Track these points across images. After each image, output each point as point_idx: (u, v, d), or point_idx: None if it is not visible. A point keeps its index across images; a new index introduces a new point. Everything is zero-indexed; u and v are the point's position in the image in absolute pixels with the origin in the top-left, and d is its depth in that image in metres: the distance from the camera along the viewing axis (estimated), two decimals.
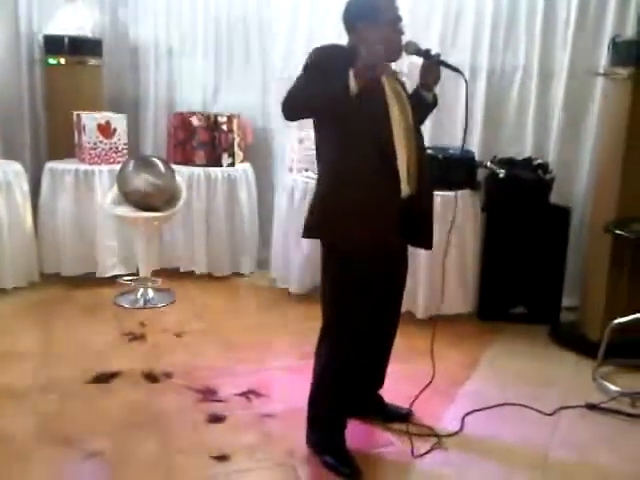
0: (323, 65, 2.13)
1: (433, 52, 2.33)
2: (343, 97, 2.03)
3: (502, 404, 2.78)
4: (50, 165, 4.17)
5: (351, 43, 2.30)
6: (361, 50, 2.08)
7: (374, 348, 2.52)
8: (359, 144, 2.16)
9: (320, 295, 2.38)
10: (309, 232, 2.30)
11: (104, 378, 2.92)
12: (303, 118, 2.24)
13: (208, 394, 2.80)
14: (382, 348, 2.59)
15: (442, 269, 2.58)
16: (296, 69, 4.21)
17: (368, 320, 2.32)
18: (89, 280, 4.11)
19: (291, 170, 4.14)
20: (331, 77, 2.04)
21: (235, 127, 4.35)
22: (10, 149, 4.37)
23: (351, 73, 2.01)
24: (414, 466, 2.37)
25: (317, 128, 2.26)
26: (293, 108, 2.13)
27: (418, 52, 2.31)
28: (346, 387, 2.35)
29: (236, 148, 4.37)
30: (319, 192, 2.27)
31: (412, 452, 2.41)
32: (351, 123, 2.13)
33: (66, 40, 4.41)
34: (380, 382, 2.65)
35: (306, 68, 2.17)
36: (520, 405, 2.78)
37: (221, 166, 4.29)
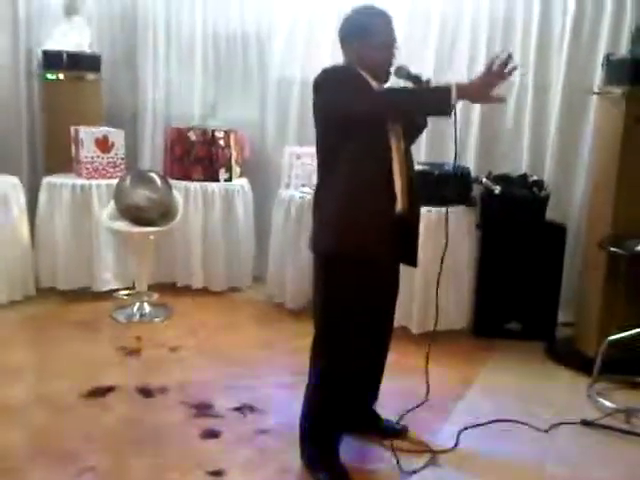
0: (354, 80, 2.20)
1: (424, 78, 2.35)
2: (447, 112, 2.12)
3: (497, 420, 2.77)
4: (48, 179, 4.18)
5: (346, 60, 2.34)
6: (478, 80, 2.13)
7: (368, 362, 2.52)
8: (371, 160, 2.21)
9: (312, 310, 2.40)
10: (323, 245, 2.31)
11: (99, 393, 2.91)
12: (374, 125, 2.21)
13: (203, 409, 2.80)
14: (376, 362, 2.59)
15: (436, 286, 2.59)
16: (291, 85, 4.36)
17: (362, 335, 2.32)
18: (85, 294, 4.11)
19: (288, 185, 4.16)
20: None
21: (232, 142, 4.37)
22: (7, 163, 4.37)
23: (454, 92, 2.07)
24: None
25: (340, 142, 2.21)
26: (386, 113, 2.19)
27: (408, 76, 2.33)
28: (340, 402, 2.35)
29: (233, 163, 4.39)
30: (334, 205, 2.24)
31: (400, 468, 2.39)
32: (370, 139, 2.19)
33: (64, 55, 4.45)
34: (374, 397, 2.65)
35: (341, 83, 2.18)
36: (515, 422, 2.77)
37: (218, 181, 4.31)
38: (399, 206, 2.29)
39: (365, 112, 2.14)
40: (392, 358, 2.63)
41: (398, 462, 2.41)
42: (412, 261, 2.45)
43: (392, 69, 2.32)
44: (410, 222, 2.38)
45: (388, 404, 2.71)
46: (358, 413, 2.57)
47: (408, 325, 3.61)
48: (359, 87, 2.19)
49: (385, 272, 2.39)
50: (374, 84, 2.28)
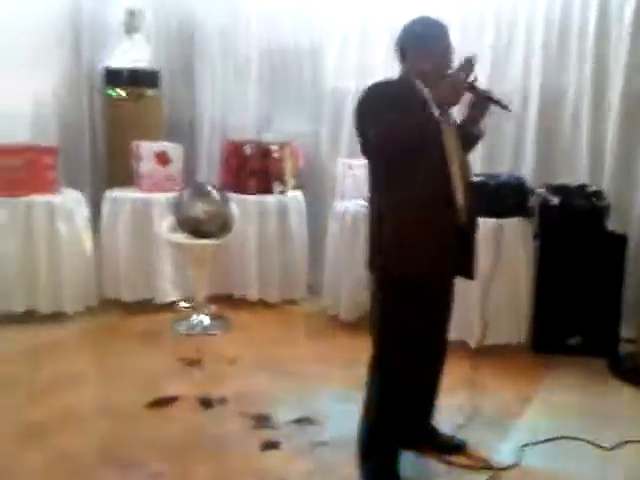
0: (390, 101, 2.19)
1: (482, 87, 2.35)
2: (433, 127, 2.12)
3: (559, 437, 2.71)
4: (110, 193, 4.32)
5: (403, 69, 2.36)
6: (444, 82, 2.16)
7: (425, 378, 2.52)
8: (426, 175, 2.21)
9: (370, 325, 2.41)
10: (379, 268, 2.33)
11: (162, 402, 2.99)
12: (394, 157, 2.22)
13: (262, 421, 2.84)
14: (433, 377, 2.58)
15: (486, 296, 2.55)
16: (345, 96, 4.40)
17: (420, 351, 2.33)
18: (147, 305, 4.21)
19: (342, 197, 4.19)
20: (406, 111, 2.13)
21: (287, 155, 4.43)
22: (72, 177, 4.55)
23: (433, 103, 2.10)
24: None
25: (384, 162, 2.26)
26: (388, 149, 2.18)
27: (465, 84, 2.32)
28: (398, 418, 2.35)
29: (287, 176, 4.45)
30: (389, 223, 2.26)
31: None
32: (421, 155, 2.18)
33: (125, 72, 4.60)
34: (432, 412, 2.64)
35: (373, 108, 2.20)
36: (578, 439, 2.70)
37: (273, 193, 4.37)
38: (459, 217, 2.28)
39: (386, 150, 2.18)
40: (449, 372, 2.61)
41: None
42: (469, 273, 2.44)
43: None
44: (468, 233, 2.36)
45: (446, 419, 2.70)
46: (416, 428, 2.57)
47: (466, 339, 3.57)
48: (390, 116, 2.16)
49: (442, 288, 2.39)
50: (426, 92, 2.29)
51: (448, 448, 2.60)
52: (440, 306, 2.42)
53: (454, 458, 2.54)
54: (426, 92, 2.28)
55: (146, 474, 2.43)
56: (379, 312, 2.35)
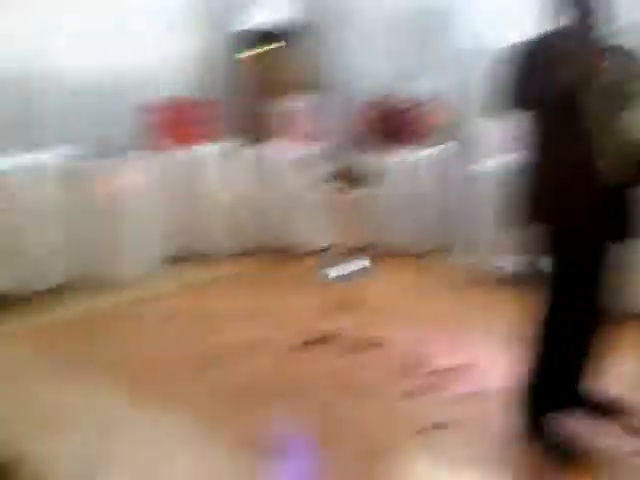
0: (532, 59, 2.14)
1: None
2: (571, 88, 2.04)
3: None
4: (262, 146, 4.47)
5: (561, 22, 2.20)
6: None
7: (591, 339, 2.40)
8: (579, 132, 2.10)
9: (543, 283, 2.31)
10: (535, 218, 2.26)
11: (311, 343, 3.08)
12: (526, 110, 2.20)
13: (414, 367, 2.85)
14: (598, 340, 2.45)
15: None
16: (488, 54, 4.20)
17: (590, 310, 2.25)
18: (296, 252, 4.36)
19: (491, 153, 4.06)
20: (548, 70, 2.06)
21: (429, 111, 4.36)
22: (221, 131, 4.72)
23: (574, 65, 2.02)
24: (625, 462, 2.22)
25: (535, 116, 2.20)
26: (522, 102, 2.15)
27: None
28: (562, 376, 2.31)
29: (430, 132, 4.38)
30: (544, 178, 2.21)
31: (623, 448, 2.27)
32: (573, 113, 2.09)
33: (260, 31, 4.72)
34: (594, 375, 2.52)
35: (517, 62, 2.16)
36: None
37: (421, 148, 4.33)
38: (609, 178, 2.12)
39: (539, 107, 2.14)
40: (618, 339, 2.42)
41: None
42: (623, 237, 2.26)
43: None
44: (621, 196, 2.20)
45: (608, 384, 2.55)
46: (575, 388, 2.46)
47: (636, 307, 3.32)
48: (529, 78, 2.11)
49: (594, 248, 2.24)
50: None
51: (607, 412, 2.48)
52: (596, 268, 2.26)
53: (612, 422, 2.40)
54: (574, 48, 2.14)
55: (294, 411, 2.51)
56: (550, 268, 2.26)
